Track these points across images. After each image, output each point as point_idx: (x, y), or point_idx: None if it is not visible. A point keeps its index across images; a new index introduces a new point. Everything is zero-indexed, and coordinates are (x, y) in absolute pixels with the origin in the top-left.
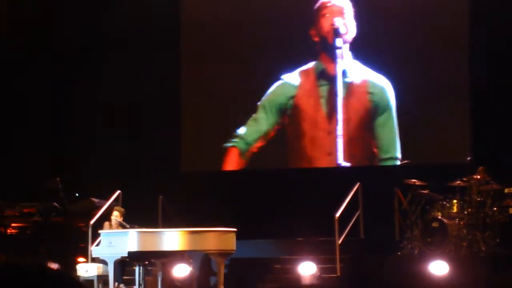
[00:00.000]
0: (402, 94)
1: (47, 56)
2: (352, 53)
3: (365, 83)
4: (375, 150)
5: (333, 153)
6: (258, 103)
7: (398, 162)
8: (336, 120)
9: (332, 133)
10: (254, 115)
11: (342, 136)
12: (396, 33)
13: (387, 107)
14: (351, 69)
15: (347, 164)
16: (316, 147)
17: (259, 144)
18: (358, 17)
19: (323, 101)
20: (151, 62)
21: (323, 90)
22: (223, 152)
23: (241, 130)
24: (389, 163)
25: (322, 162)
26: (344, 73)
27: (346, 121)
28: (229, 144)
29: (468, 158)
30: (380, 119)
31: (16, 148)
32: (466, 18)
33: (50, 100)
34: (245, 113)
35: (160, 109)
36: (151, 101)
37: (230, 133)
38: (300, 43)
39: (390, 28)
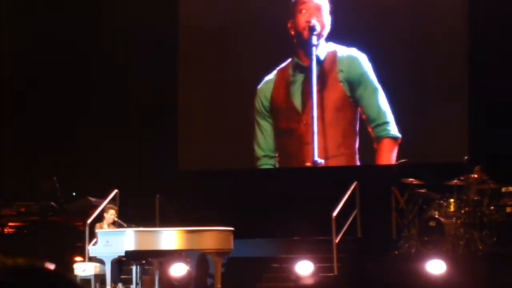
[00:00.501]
0: (400, 93)
1: (46, 57)
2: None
3: (334, 64)
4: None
5: (309, 146)
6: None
7: (390, 127)
8: (312, 116)
9: (307, 125)
10: (257, 128)
11: (317, 132)
12: (395, 33)
13: (360, 77)
14: (323, 55)
15: (322, 161)
16: (295, 141)
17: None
18: (356, 13)
19: (297, 95)
20: (149, 62)
21: (298, 83)
22: (221, 150)
23: (258, 150)
24: (380, 129)
25: (299, 157)
26: (317, 60)
27: (321, 114)
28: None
29: (466, 157)
30: (358, 91)
31: (14, 146)
32: (465, 17)
33: (49, 99)
34: (243, 112)
35: (157, 108)
36: (148, 100)
37: (228, 132)
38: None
39: (389, 27)
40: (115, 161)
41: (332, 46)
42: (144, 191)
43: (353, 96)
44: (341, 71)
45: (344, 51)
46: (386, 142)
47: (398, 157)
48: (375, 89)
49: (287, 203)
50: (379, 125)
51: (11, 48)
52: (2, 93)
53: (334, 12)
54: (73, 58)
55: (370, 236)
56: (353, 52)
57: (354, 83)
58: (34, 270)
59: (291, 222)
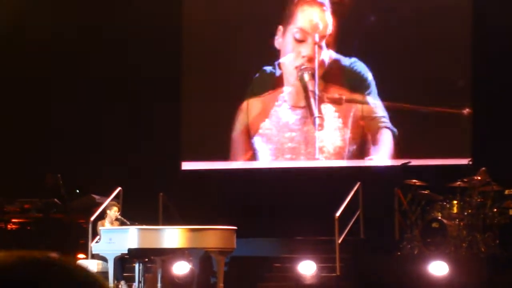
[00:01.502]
0: (403, 94)
1: (47, 55)
2: (341, 52)
3: (337, 67)
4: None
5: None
6: None
7: (387, 120)
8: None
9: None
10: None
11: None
12: (397, 33)
13: (363, 83)
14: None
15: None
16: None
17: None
18: (357, 14)
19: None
20: (152, 60)
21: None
22: (225, 149)
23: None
24: (378, 121)
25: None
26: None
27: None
28: None
29: (469, 159)
30: (360, 93)
31: (17, 144)
32: (469, 19)
33: (50, 98)
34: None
35: (161, 106)
36: (152, 98)
37: (232, 131)
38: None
39: (391, 27)
40: (118, 158)
41: (333, 53)
42: (147, 189)
43: (354, 97)
44: (345, 74)
45: (347, 60)
46: (384, 133)
47: (399, 155)
48: (375, 91)
49: (290, 202)
50: (376, 117)
51: (9, 47)
52: (4, 91)
53: (335, 14)
54: (74, 55)
55: (373, 237)
56: (356, 60)
57: (356, 86)
58: (52, 262)
59: (294, 222)
